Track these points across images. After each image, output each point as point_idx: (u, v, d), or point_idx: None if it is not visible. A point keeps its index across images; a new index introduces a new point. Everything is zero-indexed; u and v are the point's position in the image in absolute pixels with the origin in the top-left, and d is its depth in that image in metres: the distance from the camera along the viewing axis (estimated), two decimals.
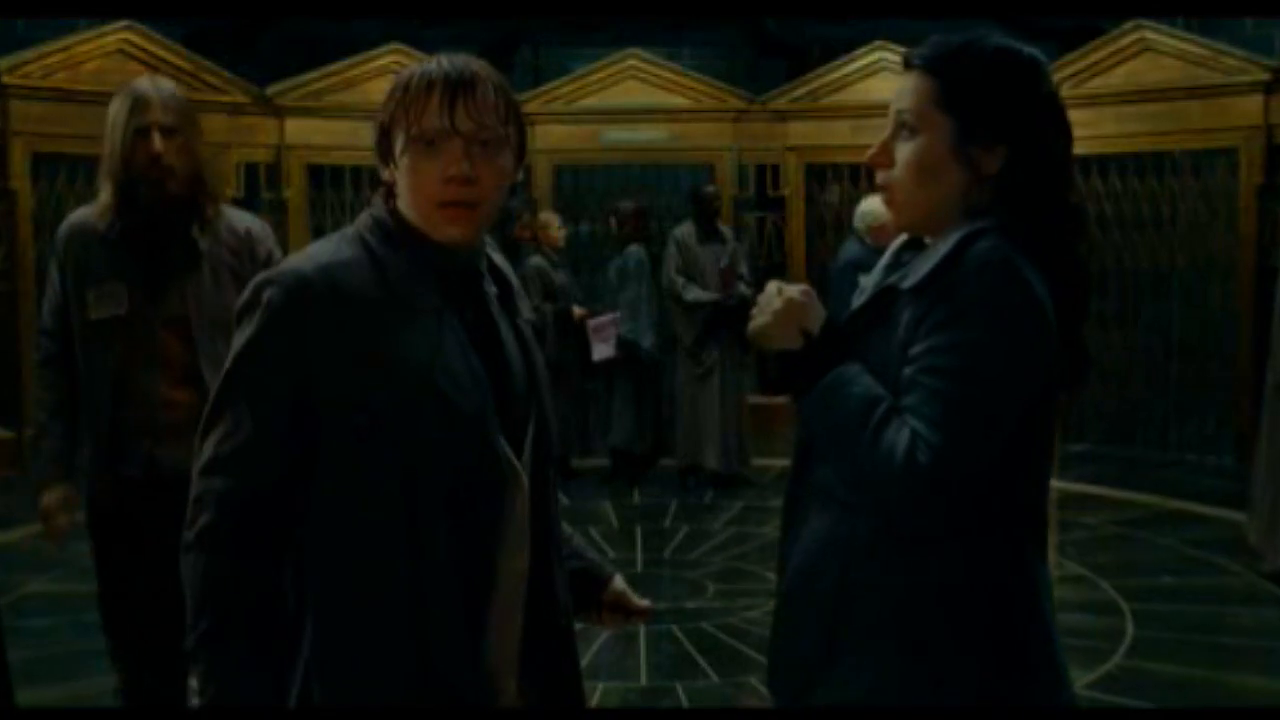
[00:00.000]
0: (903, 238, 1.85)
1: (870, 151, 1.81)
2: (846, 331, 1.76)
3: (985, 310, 1.63)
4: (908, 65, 1.80)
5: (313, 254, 1.77)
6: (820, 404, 1.68)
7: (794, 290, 1.74)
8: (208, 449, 1.75)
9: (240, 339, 1.73)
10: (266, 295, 1.71)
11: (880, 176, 1.80)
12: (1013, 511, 1.71)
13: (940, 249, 1.70)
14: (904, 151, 1.76)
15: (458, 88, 1.73)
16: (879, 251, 7.58)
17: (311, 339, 1.69)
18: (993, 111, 1.73)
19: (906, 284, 1.71)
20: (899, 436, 1.60)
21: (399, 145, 1.74)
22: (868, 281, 1.86)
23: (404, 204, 1.77)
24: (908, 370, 1.64)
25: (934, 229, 1.78)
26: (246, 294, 1.74)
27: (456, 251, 1.79)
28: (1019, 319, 1.64)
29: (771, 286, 1.78)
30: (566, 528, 2.05)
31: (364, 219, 1.82)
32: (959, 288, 1.64)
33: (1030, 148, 1.73)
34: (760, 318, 1.75)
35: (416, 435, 1.70)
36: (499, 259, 1.92)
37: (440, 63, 1.76)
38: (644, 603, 2.06)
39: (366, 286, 1.72)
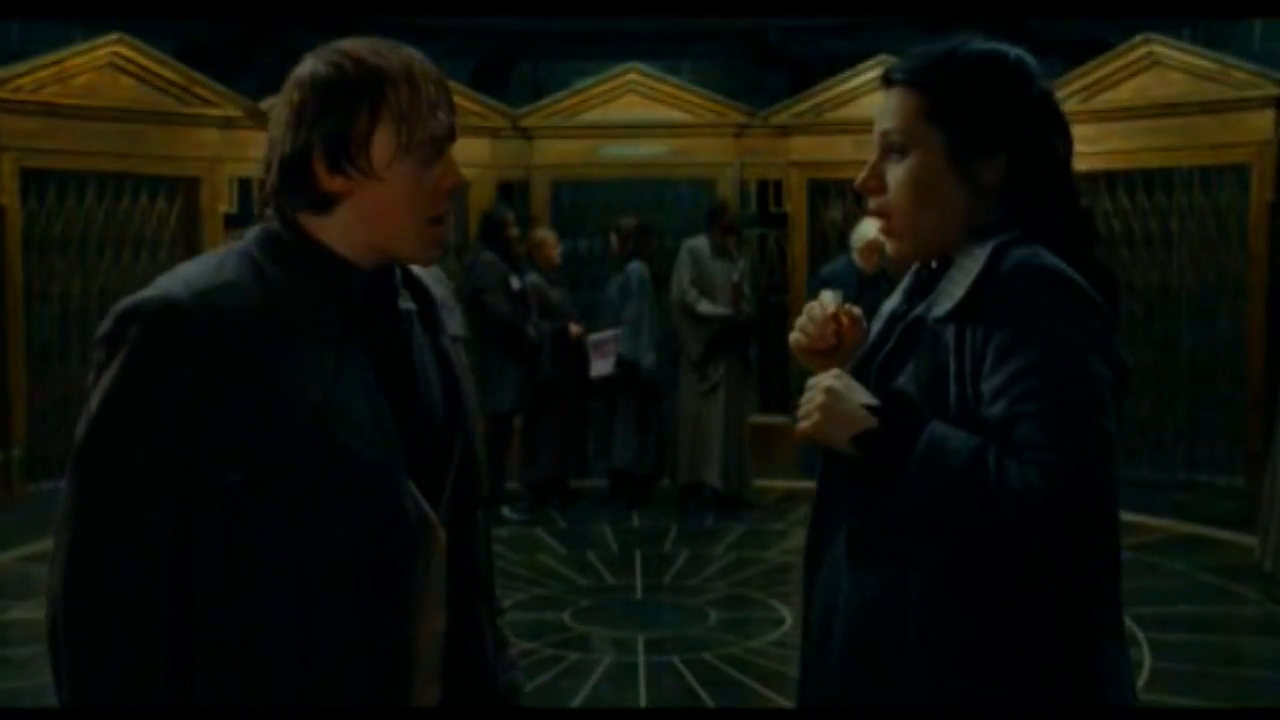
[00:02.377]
0: None
1: (860, 177, 1.71)
2: (878, 370, 1.65)
3: (1051, 319, 1.54)
4: (888, 82, 1.71)
5: (188, 275, 1.49)
6: (924, 473, 1.52)
7: (825, 379, 1.62)
8: (73, 517, 1.45)
9: (102, 383, 1.45)
10: (131, 329, 1.44)
11: (874, 203, 1.70)
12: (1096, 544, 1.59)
13: (969, 268, 1.60)
14: (896, 173, 1.67)
15: (445, 85, 1.53)
16: (857, 272, 7.82)
17: (183, 381, 1.42)
18: (985, 119, 1.64)
19: (939, 312, 1.60)
20: (1026, 475, 1.49)
21: (387, 150, 1.49)
22: (888, 306, 1.75)
23: (373, 221, 1.51)
24: (996, 408, 1.53)
25: (939, 253, 1.68)
26: (107, 323, 1.47)
27: (364, 267, 1.54)
28: (1086, 317, 1.55)
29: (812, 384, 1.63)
30: (501, 630, 1.77)
31: (254, 233, 1.55)
32: (1013, 304, 1.54)
33: (1031, 152, 1.65)
34: (810, 419, 1.61)
35: (307, 493, 1.44)
36: (418, 269, 1.65)
37: (415, 55, 1.53)
38: None
39: (252, 315, 1.46)
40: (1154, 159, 8.23)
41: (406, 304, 1.61)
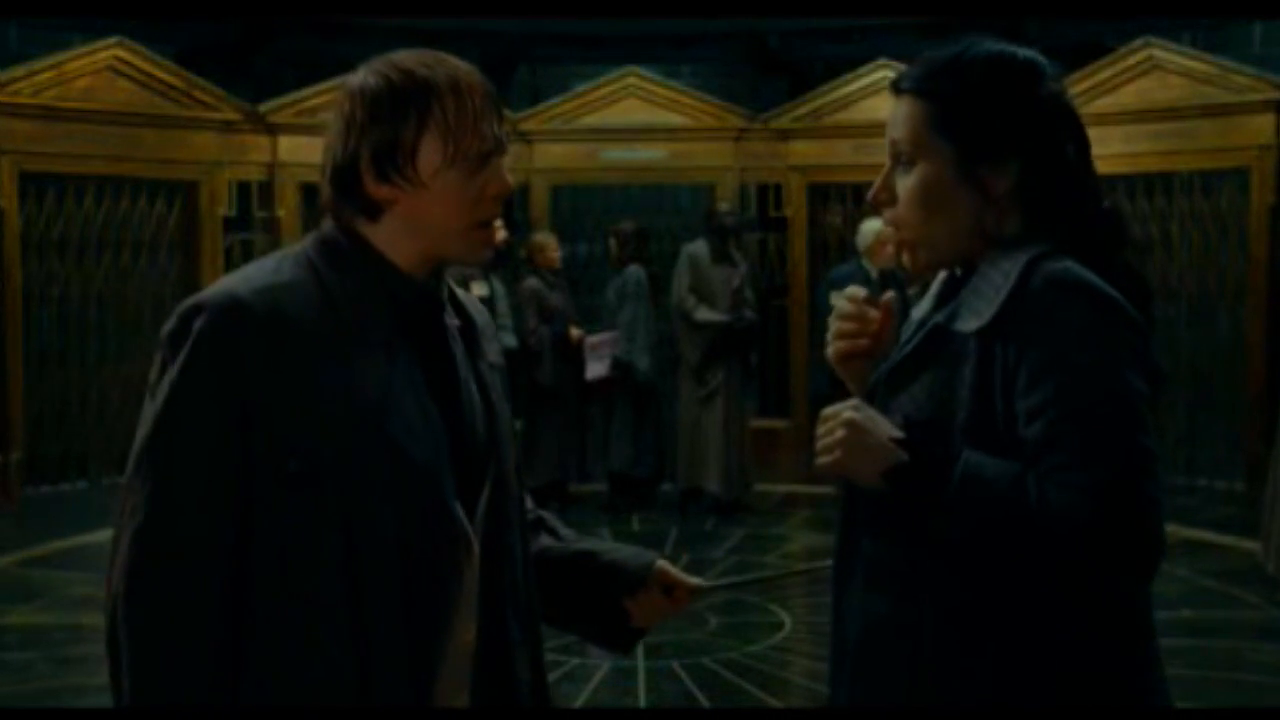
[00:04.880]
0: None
1: (872, 190, 1.66)
2: (890, 372, 1.61)
3: (1087, 336, 1.49)
4: (896, 91, 1.65)
5: (249, 275, 1.56)
6: (963, 506, 1.48)
7: (844, 410, 1.55)
8: (140, 509, 1.49)
9: (168, 377, 1.50)
10: (196, 324, 1.48)
11: (887, 215, 1.66)
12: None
13: (997, 282, 1.54)
14: (904, 185, 1.62)
15: (497, 98, 1.58)
16: (866, 274, 7.87)
17: (246, 372, 1.47)
18: (994, 126, 1.58)
19: (966, 326, 1.55)
20: (1068, 498, 1.44)
21: (433, 161, 1.53)
22: (918, 313, 1.69)
23: (420, 227, 1.55)
24: (1033, 428, 1.48)
25: (953, 261, 1.64)
26: (172, 321, 1.52)
27: (414, 277, 1.59)
28: (1122, 332, 1.51)
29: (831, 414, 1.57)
30: (571, 534, 1.86)
31: (312, 238, 1.61)
32: (1047, 321, 1.49)
33: (1043, 157, 1.59)
34: (832, 455, 1.54)
35: (360, 486, 1.48)
36: (463, 294, 1.71)
37: (463, 67, 1.57)
38: (693, 580, 1.82)
39: (310, 313, 1.51)
40: (1154, 163, 8.22)
41: (452, 320, 1.65)
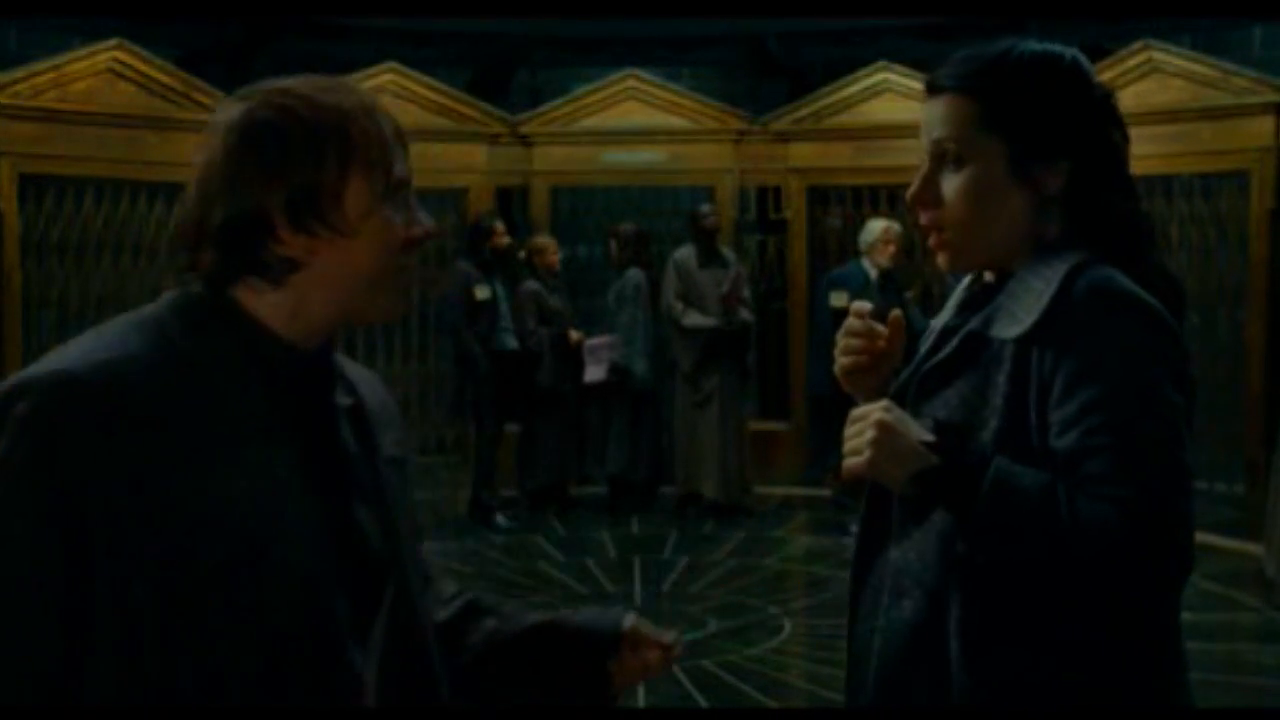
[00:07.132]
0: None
1: (912, 190, 1.62)
2: (924, 377, 1.59)
3: (1126, 346, 1.47)
4: (935, 89, 1.62)
5: (85, 347, 1.28)
6: (993, 513, 1.45)
7: (874, 411, 1.51)
8: None
9: None
10: (17, 409, 1.21)
11: (925, 217, 1.61)
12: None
13: (1038, 289, 1.52)
14: (954, 184, 1.58)
15: (400, 128, 1.37)
16: (866, 276, 7.87)
17: (77, 472, 1.20)
18: (1048, 124, 1.57)
19: (1005, 332, 1.53)
20: (1100, 511, 1.42)
21: (362, 200, 1.30)
22: (939, 321, 1.68)
23: (342, 280, 1.32)
24: (1066, 439, 1.46)
25: (998, 264, 1.62)
26: None
27: (301, 348, 1.33)
28: (1161, 342, 1.49)
29: (857, 414, 1.53)
30: (513, 609, 1.64)
31: (163, 302, 1.33)
32: (1086, 330, 1.47)
33: (1095, 157, 1.58)
34: (861, 455, 1.50)
35: (224, 604, 1.22)
36: (354, 370, 1.46)
37: (363, 97, 1.35)
38: (668, 635, 1.59)
39: (163, 391, 1.24)
40: (1154, 165, 8.19)
41: (343, 399, 1.40)
